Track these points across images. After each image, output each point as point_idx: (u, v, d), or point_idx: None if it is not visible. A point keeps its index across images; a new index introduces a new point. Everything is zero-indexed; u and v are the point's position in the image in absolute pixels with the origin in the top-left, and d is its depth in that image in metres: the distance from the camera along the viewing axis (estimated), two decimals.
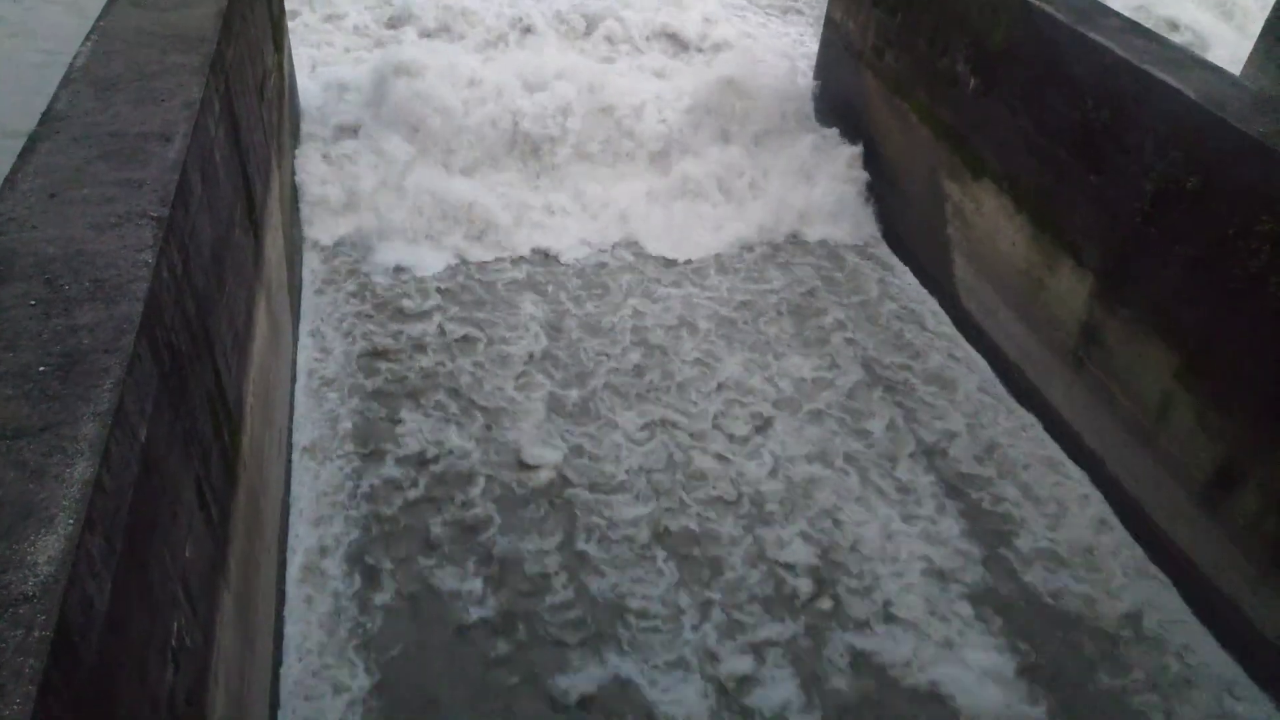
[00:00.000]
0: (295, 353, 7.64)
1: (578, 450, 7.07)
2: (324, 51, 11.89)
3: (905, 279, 9.46)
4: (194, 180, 4.44)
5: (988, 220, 8.26)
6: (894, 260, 9.74)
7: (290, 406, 7.07)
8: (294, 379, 7.39)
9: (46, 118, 4.47)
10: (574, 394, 7.60)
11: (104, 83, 4.81)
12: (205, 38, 5.39)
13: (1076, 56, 7.04)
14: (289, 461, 6.64)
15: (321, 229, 9.01)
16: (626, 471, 6.92)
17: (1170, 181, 6.27)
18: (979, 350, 8.49)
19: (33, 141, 4.27)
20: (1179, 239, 6.26)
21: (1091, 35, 6.93)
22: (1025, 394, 7.93)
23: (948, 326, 8.80)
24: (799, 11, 14.85)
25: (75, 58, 5.05)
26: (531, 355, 7.93)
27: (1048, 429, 7.64)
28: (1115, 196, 6.76)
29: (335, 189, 9.16)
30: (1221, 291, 5.94)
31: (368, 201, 9.22)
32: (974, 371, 8.28)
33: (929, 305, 9.07)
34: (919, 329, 8.72)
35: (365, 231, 9.06)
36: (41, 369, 3.08)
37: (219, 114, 5.27)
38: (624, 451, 7.08)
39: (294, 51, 10.14)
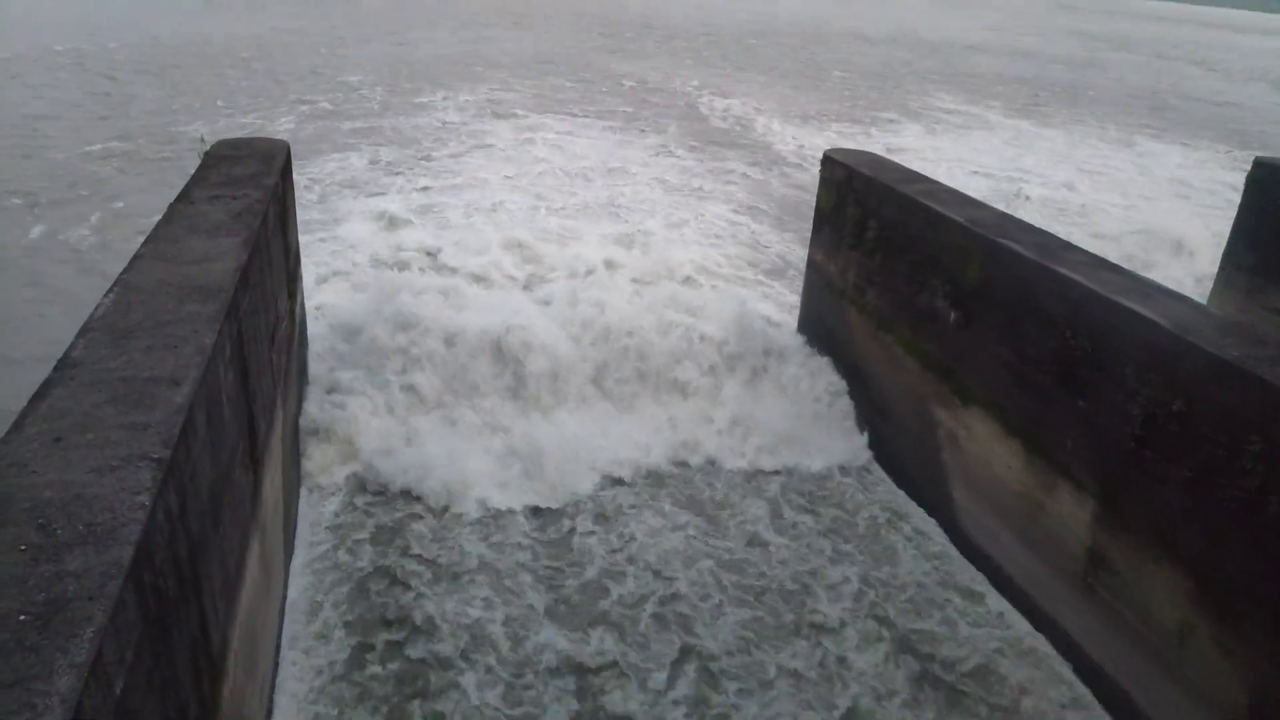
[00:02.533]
0: (285, 595, 7.44)
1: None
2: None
3: (905, 506, 9.41)
4: (199, 422, 4.52)
5: (981, 446, 8.35)
6: (891, 487, 9.74)
7: (276, 652, 6.78)
8: (282, 623, 7.14)
9: (61, 365, 4.62)
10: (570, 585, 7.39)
11: (121, 331, 5.02)
12: (222, 288, 5.68)
13: (1048, 290, 7.43)
14: (270, 713, 6.27)
15: (322, 466, 9.07)
16: None
17: (1156, 405, 6.42)
18: (986, 575, 8.30)
19: (45, 387, 4.39)
20: (1173, 460, 6.30)
21: (1059, 270, 7.35)
22: (1037, 621, 7.66)
23: (953, 553, 8.65)
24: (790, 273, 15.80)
25: (96, 309, 5.29)
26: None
27: (1064, 657, 7.32)
28: (1104, 420, 6.89)
29: (337, 430, 9.32)
30: (1223, 512, 5.90)
31: (367, 439, 9.35)
32: (982, 599, 8.03)
33: (930, 531, 8.97)
34: (923, 559, 8.56)
35: (365, 468, 9.11)
36: (22, 618, 2.99)
37: (229, 359, 5.46)
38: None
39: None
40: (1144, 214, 19.83)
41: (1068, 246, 8.04)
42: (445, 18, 53.08)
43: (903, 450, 9.79)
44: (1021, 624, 7.72)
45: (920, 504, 9.37)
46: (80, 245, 14.48)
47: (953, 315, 8.66)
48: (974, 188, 16.95)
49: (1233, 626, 5.87)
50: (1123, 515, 6.75)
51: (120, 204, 16.48)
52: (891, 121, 30.59)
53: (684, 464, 9.76)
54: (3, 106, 23.53)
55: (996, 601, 8.01)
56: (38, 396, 4.30)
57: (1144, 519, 6.55)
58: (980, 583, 8.24)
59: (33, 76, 27.32)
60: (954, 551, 8.66)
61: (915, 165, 12.15)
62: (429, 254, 14.40)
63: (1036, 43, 68.44)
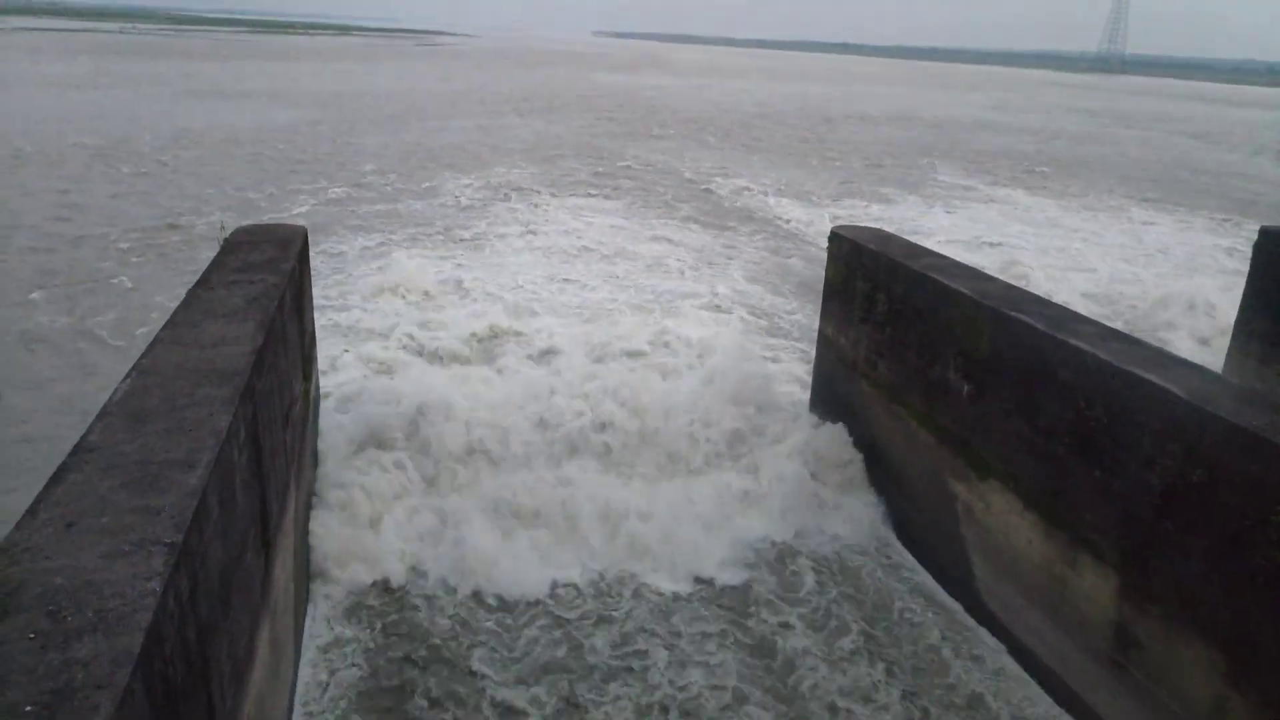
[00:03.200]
0: (295, 679, 7.30)
1: None
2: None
3: (923, 581, 9.23)
4: (212, 506, 4.52)
5: (999, 519, 8.23)
6: (910, 562, 9.57)
7: None
8: (292, 708, 6.99)
9: (77, 449, 4.64)
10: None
11: (138, 414, 5.06)
12: (238, 371, 5.74)
13: (1061, 361, 7.41)
14: None
15: (333, 549, 9.00)
16: None
17: (1176, 475, 6.33)
18: (1010, 654, 8.08)
19: (61, 472, 4.41)
20: (1196, 532, 6.19)
21: (1072, 341, 7.34)
22: (1065, 700, 7.42)
23: (973, 630, 8.44)
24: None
25: (114, 393, 5.35)
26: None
27: None
28: (1123, 491, 6.79)
29: (350, 512, 9.27)
30: (1252, 585, 5.76)
31: (380, 521, 9.29)
32: (1007, 678, 7.80)
33: (951, 608, 8.77)
34: (944, 636, 8.35)
35: (377, 550, 9.03)
36: (28, 708, 2.95)
37: (244, 441, 5.48)
38: None
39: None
40: (1120, 276, 20.49)
41: (1078, 318, 8.05)
42: (457, 109, 54.70)
43: (920, 524, 9.65)
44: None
45: (939, 579, 9.19)
46: (99, 331, 14.71)
47: (965, 388, 8.64)
48: (962, 258, 17.26)
49: (1271, 705, 5.67)
50: (1148, 589, 6.60)
51: (139, 291, 16.79)
52: (889, 195, 31.22)
53: (700, 540, 9.60)
54: (32, 197, 24.20)
55: (1016, 673, 7.78)
56: (53, 481, 4.31)
57: (1170, 592, 6.40)
58: (999, 657, 8.02)
59: (65, 170, 28.17)
60: (977, 630, 8.44)
61: (909, 236, 12.32)
62: (445, 331, 14.54)
63: (1038, 119, 69.79)
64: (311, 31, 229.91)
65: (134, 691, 3.18)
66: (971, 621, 8.56)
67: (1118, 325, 8.19)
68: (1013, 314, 8.02)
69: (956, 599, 8.88)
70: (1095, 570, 7.08)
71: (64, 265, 18.12)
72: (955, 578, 8.98)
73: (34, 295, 16.15)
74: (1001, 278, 9.27)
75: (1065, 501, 7.39)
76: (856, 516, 10.04)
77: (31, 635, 3.27)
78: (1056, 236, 25.49)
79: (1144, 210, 30.75)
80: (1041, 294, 8.66)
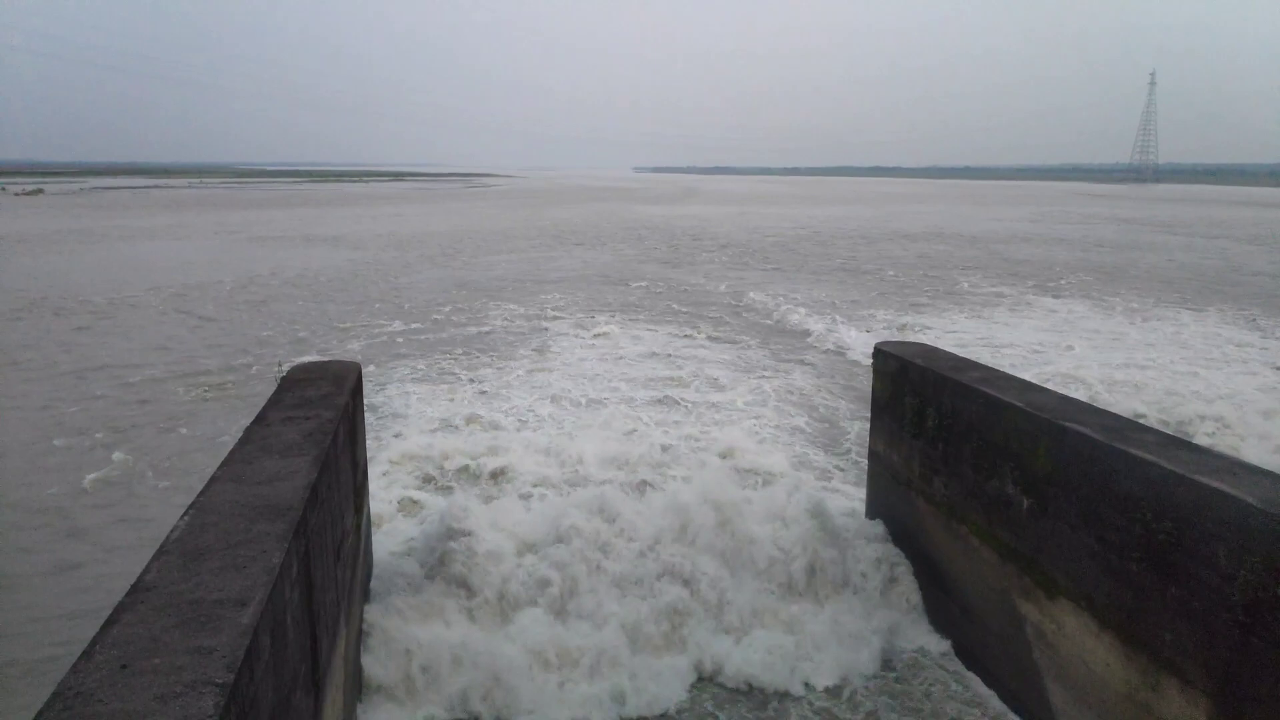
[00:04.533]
0: None
1: None
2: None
3: (995, 707, 8.71)
4: (263, 644, 4.51)
5: (1073, 642, 7.82)
6: (981, 689, 9.07)
7: None
8: None
9: (135, 588, 4.71)
10: None
11: (193, 553, 5.13)
12: (292, 506, 5.82)
13: (1123, 473, 7.19)
14: None
15: (384, 687, 8.82)
16: None
17: (1259, 589, 6.00)
18: None
19: (117, 613, 4.46)
20: None
21: (1133, 451, 7.13)
22: None
23: None
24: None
25: (172, 531, 5.45)
26: None
27: None
28: (1204, 608, 6.44)
29: (401, 648, 9.12)
30: None
31: (432, 659, 9.12)
32: None
33: None
34: None
35: (430, 686, 8.83)
36: None
37: (296, 577, 5.51)
38: None
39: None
40: (1173, 380, 20.39)
41: (1137, 427, 7.85)
42: (506, 244, 56.79)
43: (989, 649, 9.19)
44: None
45: (1012, 705, 8.68)
46: (163, 467, 15.08)
47: (1026, 502, 8.38)
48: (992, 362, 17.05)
49: None
50: (1241, 714, 6.15)
51: (201, 429, 17.28)
52: (929, 308, 31.45)
53: (754, 679, 9.25)
54: (102, 339, 25.36)
55: None
56: (109, 622, 4.36)
57: (1267, 717, 5.95)
58: None
59: (138, 316, 29.57)
60: None
61: (952, 348, 12.28)
62: (495, 456, 14.61)
63: (1079, 230, 70.09)
64: (367, 179, 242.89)
65: None
66: None
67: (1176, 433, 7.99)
68: (1068, 425, 7.85)
69: None
70: (1182, 695, 6.64)
71: (128, 409, 18.77)
72: (1029, 704, 8.48)
73: (98, 435, 16.69)
74: (1053, 387, 9.16)
75: (1143, 621, 7.02)
76: (917, 636, 9.61)
77: None
78: (1104, 341, 25.27)
79: (1193, 314, 30.38)
80: (1092, 400, 8.52)
